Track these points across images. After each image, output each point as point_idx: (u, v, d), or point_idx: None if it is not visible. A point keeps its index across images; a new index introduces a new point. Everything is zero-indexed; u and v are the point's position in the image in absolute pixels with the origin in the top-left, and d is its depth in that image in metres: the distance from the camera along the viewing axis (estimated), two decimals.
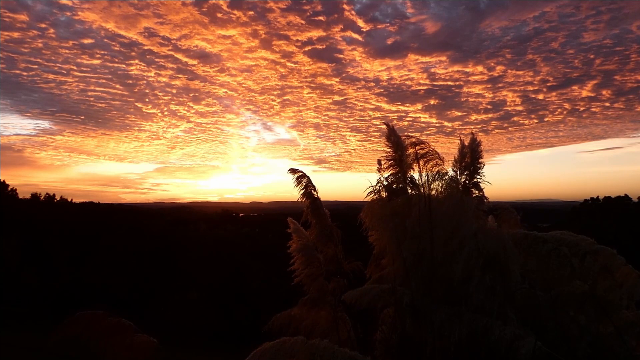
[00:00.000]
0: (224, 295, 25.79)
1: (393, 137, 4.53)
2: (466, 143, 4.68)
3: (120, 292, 25.96)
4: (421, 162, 4.37)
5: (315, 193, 5.30)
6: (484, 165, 4.59)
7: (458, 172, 4.58)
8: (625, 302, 3.37)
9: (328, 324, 4.76)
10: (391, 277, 4.08)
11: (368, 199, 4.52)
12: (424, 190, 4.27)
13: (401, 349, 3.80)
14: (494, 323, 3.19)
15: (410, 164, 4.43)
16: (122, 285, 26.48)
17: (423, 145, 4.40)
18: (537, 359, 2.88)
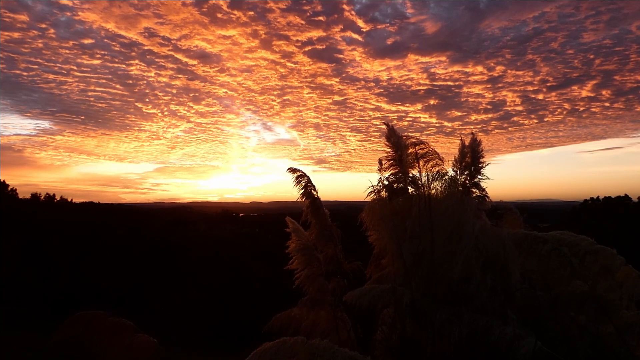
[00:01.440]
0: (224, 295, 25.79)
1: (393, 137, 4.54)
2: (466, 143, 4.69)
3: (121, 292, 25.98)
4: (421, 162, 4.37)
5: (315, 193, 5.30)
6: (485, 164, 4.60)
7: (458, 172, 4.58)
8: (625, 302, 3.37)
9: (328, 324, 4.76)
10: (391, 277, 4.08)
11: (368, 198, 4.52)
12: (424, 190, 4.28)
13: (401, 349, 3.81)
14: (494, 323, 3.19)
15: (410, 164, 4.43)
16: (122, 285, 26.50)
17: (423, 145, 4.40)
18: (537, 359, 2.88)
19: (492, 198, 4.66)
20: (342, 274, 4.98)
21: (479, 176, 4.58)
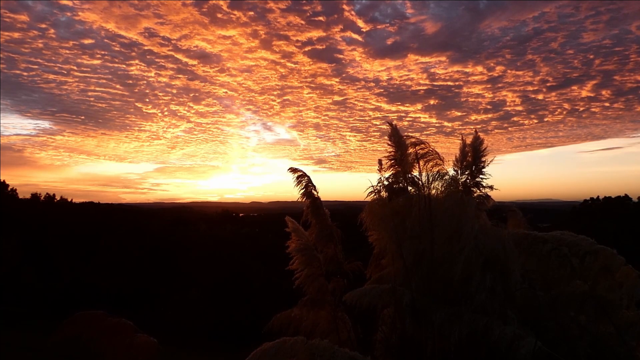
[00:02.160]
0: (224, 295, 25.79)
1: (395, 136, 4.54)
2: (467, 142, 4.69)
3: (121, 292, 25.98)
4: (421, 162, 4.37)
5: (315, 193, 5.29)
6: (488, 163, 4.59)
7: (459, 171, 4.58)
8: (625, 302, 3.37)
9: (328, 324, 4.76)
10: (391, 277, 4.08)
11: (368, 199, 4.52)
12: (424, 190, 4.28)
13: (401, 349, 3.81)
14: (494, 323, 3.19)
15: (411, 164, 4.43)
16: (122, 285, 26.50)
17: (423, 145, 4.40)
18: (537, 359, 2.88)
19: (493, 198, 4.66)
20: (342, 274, 4.98)
21: (481, 175, 4.57)
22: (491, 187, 4.57)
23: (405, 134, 4.56)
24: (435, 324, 3.38)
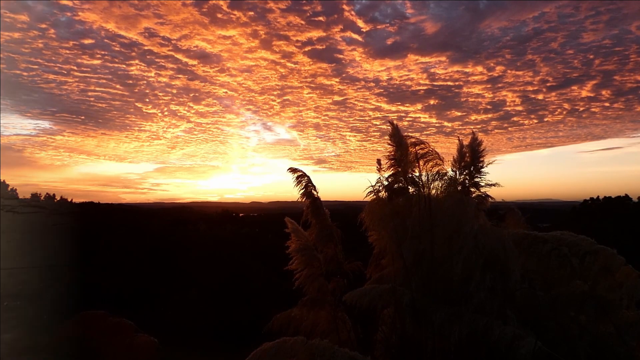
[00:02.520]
0: (224, 295, 25.77)
1: (396, 135, 4.54)
2: (466, 143, 4.69)
3: (121, 292, 25.97)
4: (421, 162, 4.37)
5: (315, 193, 5.29)
6: (487, 164, 4.59)
7: (457, 172, 4.58)
8: (625, 302, 3.37)
9: (328, 324, 4.76)
10: (391, 277, 4.08)
11: (368, 199, 4.52)
12: (424, 190, 4.28)
13: (401, 349, 3.81)
14: (494, 323, 3.19)
15: (411, 164, 4.43)
16: (122, 285, 26.48)
17: (423, 146, 4.41)
18: (537, 359, 2.88)
19: (494, 198, 4.66)
20: (342, 274, 4.98)
21: (479, 176, 4.57)
22: (493, 185, 4.57)
23: (405, 133, 4.57)
24: (435, 324, 3.38)
